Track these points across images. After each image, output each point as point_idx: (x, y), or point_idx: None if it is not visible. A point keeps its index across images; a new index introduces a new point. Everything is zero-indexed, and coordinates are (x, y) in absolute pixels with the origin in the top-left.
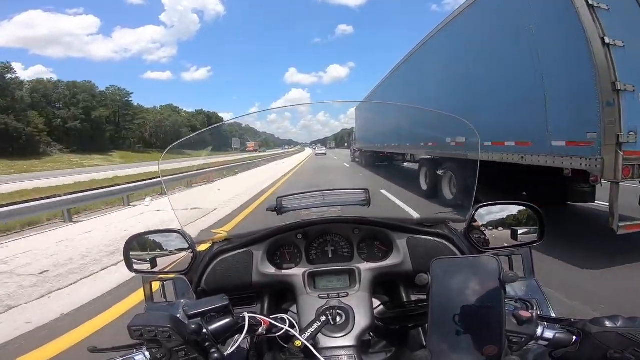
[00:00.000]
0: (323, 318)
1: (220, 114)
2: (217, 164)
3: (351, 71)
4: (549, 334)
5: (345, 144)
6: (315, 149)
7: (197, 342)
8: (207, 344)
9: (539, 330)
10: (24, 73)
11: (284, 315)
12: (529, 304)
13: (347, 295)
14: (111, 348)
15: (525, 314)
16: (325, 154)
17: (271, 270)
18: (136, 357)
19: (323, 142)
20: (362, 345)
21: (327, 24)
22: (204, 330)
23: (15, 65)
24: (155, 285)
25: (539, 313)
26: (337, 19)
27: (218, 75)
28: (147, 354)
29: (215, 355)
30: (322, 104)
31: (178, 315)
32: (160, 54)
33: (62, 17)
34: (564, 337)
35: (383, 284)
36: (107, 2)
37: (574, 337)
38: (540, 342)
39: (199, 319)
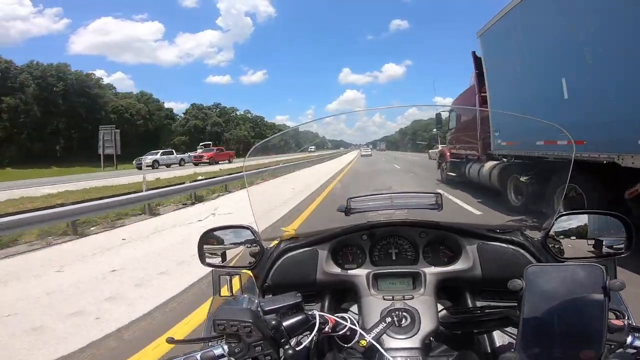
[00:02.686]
0: (388, 319)
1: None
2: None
3: (408, 69)
4: (638, 343)
5: (438, 145)
6: (361, 150)
7: (273, 338)
8: (282, 340)
9: (629, 339)
10: (107, 79)
11: (346, 315)
12: (619, 314)
13: (412, 298)
14: (189, 340)
15: (617, 322)
16: (370, 154)
17: (335, 269)
18: (215, 351)
19: (374, 144)
20: (426, 348)
21: (381, 20)
22: (281, 327)
23: (99, 73)
24: (223, 279)
25: (630, 322)
26: (391, 14)
27: (273, 78)
28: (225, 347)
29: (290, 351)
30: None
31: (257, 311)
32: (219, 57)
33: (130, 23)
34: None
35: (446, 289)
36: (166, 7)
37: None
38: (630, 350)
39: (275, 315)
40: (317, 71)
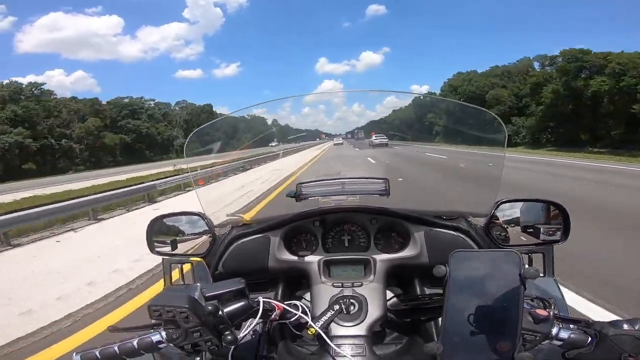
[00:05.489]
0: (336, 307)
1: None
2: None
3: (386, 57)
4: (564, 334)
5: None
6: (333, 140)
7: (212, 324)
8: (221, 326)
9: (555, 330)
10: (67, 79)
11: (297, 302)
12: (546, 303)
13: (361, 285)
14: (130, 327)
15: (542, 312)
16: (342, 143)
17: (287, 256)
18: (153, 337)
19: (352, 133)
20: (374, 336)
21: (357, 5)
22: (220, 313)
23: (57, 72)
24: (175, 268)
25: (556, 313)
26: None
27: (248, 70)
28: (163, 334)
29: (229, 337)
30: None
31: (196, 297)
32: (188, 51)
33: (83, 17)
34: (579, 338)
35: (397, 276)
36: (122, 0)
37: (589, 338)
38: (555, 341)
39: (216, 301)
40: (294, 62)
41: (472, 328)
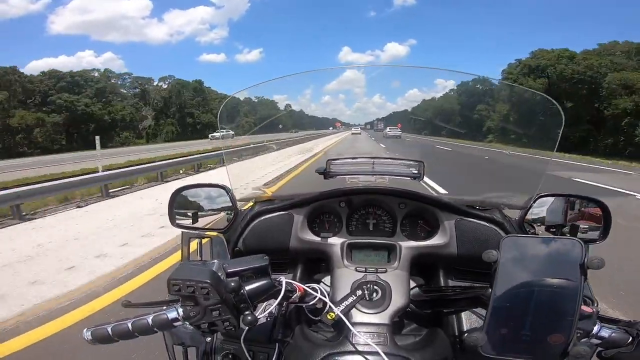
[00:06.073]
0: (359, 292)
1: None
2: None
3: (412, 49)
4: (604, 333)
5: None
6: (351, 130)
7: (232, 303)
8: (242, 305)
9: (596, 328)
10: (96, 60)
11: (316, 285)
12: (588, 300)
13: (385, 272)
14: (145, 303)
15: (587, 309)
16: (360, 133)
17: (310, 236)
18: (168, 314)
19: (371, 124)
20: (394, 325)
21: None
22: (242, 291)
23: (87, 53)
24: (193, 243)
25: (598, 311)
26: None
27: (270, 56)
28: (180, 310)
29: (249, 317)
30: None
31: (219, 273)
32: (213, 35)
33: (113, 0)
34: (619, 337)
35: (420, 266)
36: None
37: (630, 338)
38: (594, 340)
39: (237, 277)
40: (316, 49)
41: (522, 319)
